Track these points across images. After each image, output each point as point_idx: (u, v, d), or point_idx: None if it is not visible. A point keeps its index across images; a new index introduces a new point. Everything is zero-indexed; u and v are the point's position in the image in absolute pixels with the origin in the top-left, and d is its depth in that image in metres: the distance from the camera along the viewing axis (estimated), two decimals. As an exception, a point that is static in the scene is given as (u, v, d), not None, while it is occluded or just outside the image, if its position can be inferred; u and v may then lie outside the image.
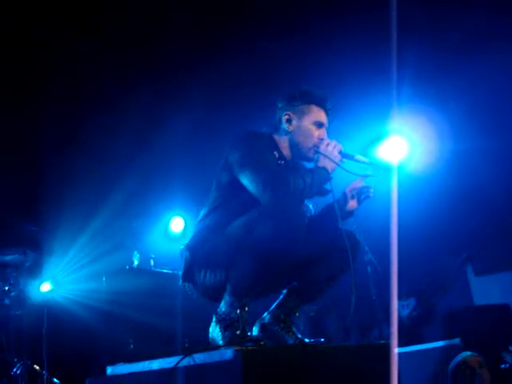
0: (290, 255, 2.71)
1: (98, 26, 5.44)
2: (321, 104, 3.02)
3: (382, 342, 3.01)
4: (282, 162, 2.97)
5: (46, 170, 6.22)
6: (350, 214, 3.05)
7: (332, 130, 3.07)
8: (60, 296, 6.36)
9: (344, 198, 3.03)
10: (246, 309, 2.74)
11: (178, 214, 7.33)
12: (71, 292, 6.42)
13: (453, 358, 4.20)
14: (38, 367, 5.25)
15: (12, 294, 5.32)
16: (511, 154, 5.60)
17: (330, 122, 3.05)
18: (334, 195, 2.95)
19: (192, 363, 2.54)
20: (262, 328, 2.95)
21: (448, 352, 4.44)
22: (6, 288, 5.30)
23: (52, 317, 5.98)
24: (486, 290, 6.31)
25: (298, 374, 2.51)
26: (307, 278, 2.95)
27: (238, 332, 2.70)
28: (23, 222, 6.08)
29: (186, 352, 2.58)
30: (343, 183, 3.04)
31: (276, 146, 3.00)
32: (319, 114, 3.01)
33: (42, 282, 6.18)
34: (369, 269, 5.45)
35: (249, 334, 2.76)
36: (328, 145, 2.91)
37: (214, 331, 2.77)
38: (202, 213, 3.00)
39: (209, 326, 2.83)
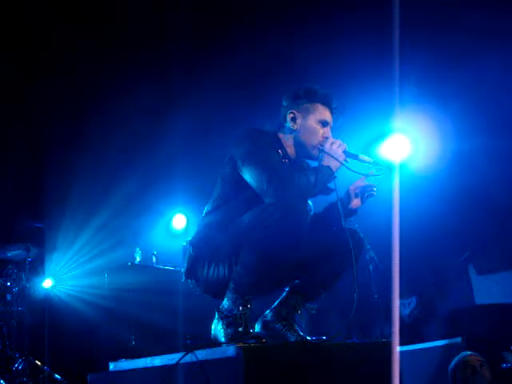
0: (293, 253, 2.71)
1: (98, 26, 5.45)
2: (326, 103, 3.01)
3: (384, 340, 3.01)
4: (286, 160, 2.98)
5: (49, 167, 6.24)
6: (354, 212, 3.05)
7: (335, 128, 3.07)
8: (62, 292, 6.38)
9: (348, 197, 3.03)
10: (249, 306, 2.75)
11: (180, 211, 7.34)
12: (73, 288, 6.43)
13: (454, 357, 4.20)
14: (39, 363, 5.27)
15: (14, 289, 5.34)
16: (513, 153, 5.59)
17: (334, 120, 3.05)
18: (337, 194, 2.95)
19: (194, 360, 2.54)
20: (264, 325, 2.95)
21: (449, 351, 4.45)
22: (9, 284, 5.32)
23: (54, 313, 6.01)
24: (488, 289, 6.31)
25: (300, 372, 2.51)
26: (310, 276, 2.95)
27: (240, 329, 2.71)
28: (26, 218, 6.10)
29: (188, 348, 2.58)
30: (347, 182, 3.04)
31: (280, 144, 3.00)
32: (324, 113, 3.01)
33: (44, 278, 6.20)
34: (370, 267, 5.45)
35: (251, 331, 2.76)
36: (332, 144, 2.91)
37: (217, 328, 2.78)
38: (206, 209, 3.00)
39: (211, 322, 2.84)
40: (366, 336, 6.26)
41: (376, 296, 5.46)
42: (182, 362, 2.56)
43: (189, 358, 2.56)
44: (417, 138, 5.99)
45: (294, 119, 3.01)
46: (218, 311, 2.79)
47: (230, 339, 2.68)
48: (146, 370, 2.80)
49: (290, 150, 3.02)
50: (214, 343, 2.72)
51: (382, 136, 5.94)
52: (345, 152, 2.91)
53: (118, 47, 5.66)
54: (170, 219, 7.35)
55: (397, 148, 5.93)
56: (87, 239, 6.43)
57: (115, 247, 6.42)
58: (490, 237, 6.23)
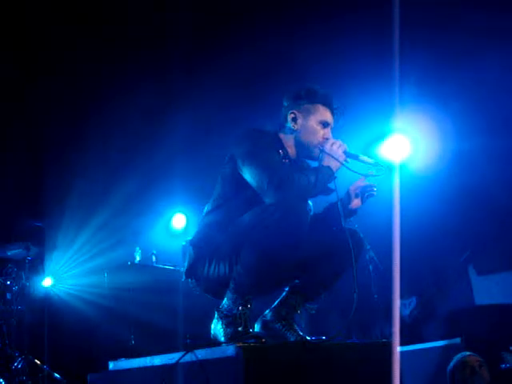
0: (293, 253, 2.71)
1: (98, 26, 5.45)
2: (327, 103, 3.02)
3: (384, 340, 3.01)
4: (287, 160, 2.98)
5: (49, 167, 6.24)
6: (354, 212, 3.05)
7: (335, 128, 3.07)
8: (62, 291, 6.38)
9: (348, 197, 3.04)
10: (249, 306, 2.75)
11: (179, 211, 7.35)
12: (73, 287, 6.44)
13: (453, 358, 4.20)
14: (39, 362, 5.27)
15: (14, 288, 5.33)
16: (513, 153, 5.60)
17: (335, 121, 3.05)
18: (337, 194, 2.96)
19: (194, 359, 2.54)
20: (264, 325, 2.95)
21: (448, 351, 4.45)
22: (9, 282, 5.32)
23: (53, 312, 6.01)
24: (488, 290, 6.31)
25: (300, 372, 2.52)
26: (309, 276, 2.95)
27: (240, 329, 2.71)
28: (26, 217, 6.10)
29: (188, 348, 2.59)
30: (347, 182, 3.04)
31: (281, 145, 3.00)
32: (325, 114, 3.01)
33: (44, 277, 6.20)
34: (370, 267, 5.45)
35: (251, 330, 2.77)
36: (333, 144, 2.91)
37: (216, 327, 2.78)
38: (206, 209, 3.01)
39: (210, 322, 2.84)
40: (365, 336, 6.25)
41: (376, 296, 5.46)
42: (181, 361, 2.57)
43: (188, 357, 2.56)
44: (417, 138, 5.99)
45: (294, 119, 3.01)
46: (218, 311, 2.79)
47: (230, 339, 2.69)
48: (145, 369, 2.81)
49: (291, 151, 3.02)
50: (214, 343, 2.72)
51: (382, 136, 5.94)
52: (345, 152, 2.92)
53: (118, 47, 5.66)
54: (170, 219, 7.36)
55: (397, 148, 5.93)
56: (87, 238, 6.43)
57: (115, 246, 6.42)
58: (490, 237, 6.23)
